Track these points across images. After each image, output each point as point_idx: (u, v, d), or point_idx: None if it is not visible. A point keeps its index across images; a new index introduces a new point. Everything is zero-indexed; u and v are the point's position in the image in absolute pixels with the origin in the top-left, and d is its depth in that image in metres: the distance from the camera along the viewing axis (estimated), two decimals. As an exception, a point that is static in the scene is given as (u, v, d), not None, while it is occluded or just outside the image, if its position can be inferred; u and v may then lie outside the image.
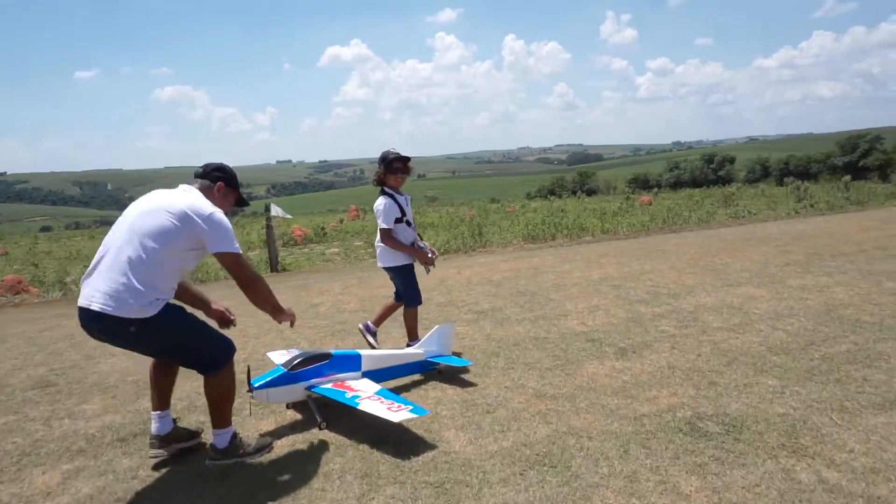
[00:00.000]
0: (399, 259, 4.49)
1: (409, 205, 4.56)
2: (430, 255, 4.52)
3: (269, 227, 12.30)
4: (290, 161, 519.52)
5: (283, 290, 8.07)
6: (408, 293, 4.58)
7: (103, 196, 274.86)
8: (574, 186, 56.76)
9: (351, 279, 8.74)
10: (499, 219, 21.65)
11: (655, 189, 43.65)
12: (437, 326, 4.25)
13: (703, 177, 60.53)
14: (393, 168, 4.42)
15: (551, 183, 64.29)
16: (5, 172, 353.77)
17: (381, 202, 4.40)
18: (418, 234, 4.63)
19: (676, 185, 57.78)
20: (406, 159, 4.46)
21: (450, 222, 18.64)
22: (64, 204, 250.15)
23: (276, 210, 12.12)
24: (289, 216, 13.26)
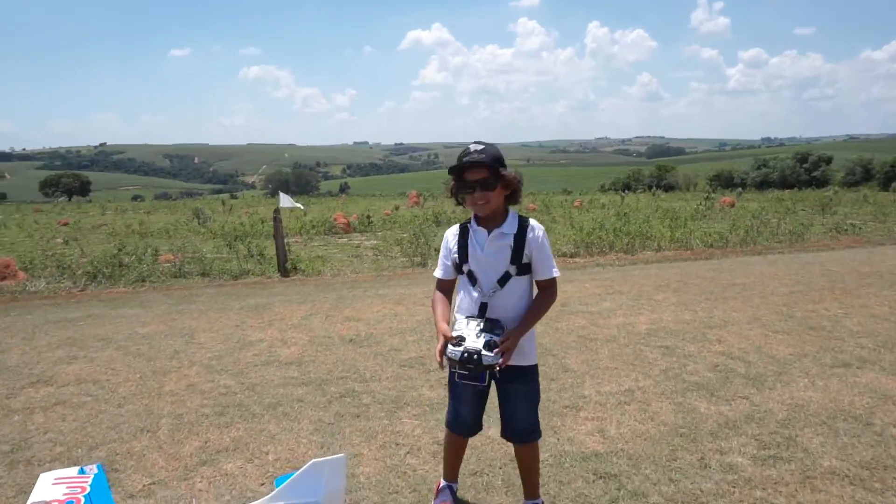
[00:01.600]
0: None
1: (487, 246, 2.34)
2: (447, 354, 2.23)
3: (276, 221, 10.73)
4: (366, 142, 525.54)
5: (235, 310, 6.39)
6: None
7: (189, 169, 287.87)
8: (651, 181, 53.30)
9: (327, 300, 6.90)
10: (560, 215, 19.49)
11: (739, 189, 40.06)
12: (311, 461, 2.36)
13: (794, 177, 55.21)
14: (464, 181, 2.31)
15: (627, 176, 60.66)
16: (105, 143, 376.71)
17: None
18: (481, 315, 2.32)
19: (763, 184, 53.20)
20: (485, 163, 2.26)
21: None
22: (155, 175, 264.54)
23: (284, 201, 10.56)
24: (299, 206, 11.70)
